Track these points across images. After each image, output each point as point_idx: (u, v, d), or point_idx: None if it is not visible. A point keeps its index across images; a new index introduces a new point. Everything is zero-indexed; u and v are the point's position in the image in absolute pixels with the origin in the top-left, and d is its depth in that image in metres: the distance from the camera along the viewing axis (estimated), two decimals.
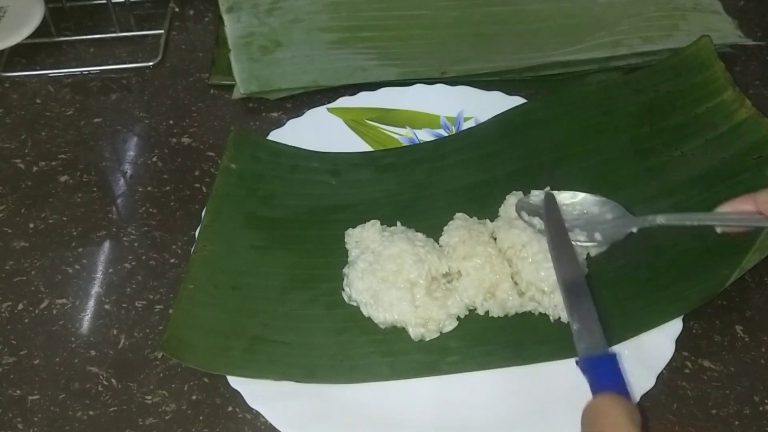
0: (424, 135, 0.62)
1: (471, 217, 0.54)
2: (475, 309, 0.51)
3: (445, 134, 0.62)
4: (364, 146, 0.62)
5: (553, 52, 0.68)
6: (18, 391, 0.49)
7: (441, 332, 0.50)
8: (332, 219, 0.56)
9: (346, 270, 0.53)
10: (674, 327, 0.49)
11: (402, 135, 0.63)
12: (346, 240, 0.54)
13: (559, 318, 0.50)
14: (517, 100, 0.63)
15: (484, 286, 0.50)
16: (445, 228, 0.53)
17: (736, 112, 0.60)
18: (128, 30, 0.74)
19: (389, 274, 0.50)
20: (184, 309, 0.50)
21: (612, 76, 0.67)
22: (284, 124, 0.63)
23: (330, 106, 0.64)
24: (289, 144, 0.61)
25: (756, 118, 0.59)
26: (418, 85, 0.65)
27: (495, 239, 0.53)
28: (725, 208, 0.49)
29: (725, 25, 0.70)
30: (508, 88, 0.64)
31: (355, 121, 0.63)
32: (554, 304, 0.50)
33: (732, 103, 0.60)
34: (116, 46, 0.73)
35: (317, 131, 0.62)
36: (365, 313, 0.51)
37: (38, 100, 0.68)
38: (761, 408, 0.47)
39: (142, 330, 0.52)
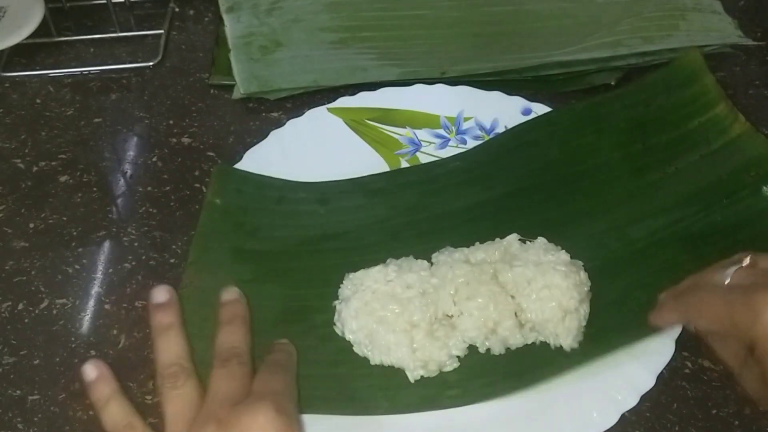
0: (424, 135, 0.62)
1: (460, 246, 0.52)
2: (476, 346, 0.49)
3: (445, 134, 0.62)
4: (364, 146, 0.62)
5: (553, 52, 0.68)
6: (18, 391, 0.49)
7: (441, 371, 0.48)
8: (322, 248, 0.55)
9: (337, 305, 0.51)
10: (674, 327, 0.49)
11: (402, 135, 0.63)
12: (344, 282, 0.51)
13: (560, 346, 0.48)
14: (518, 100, 0.63)
15: (488, 326, 0.48)
16: (434, 257, 0.52)
17: (730, 127, 0.59)
18: (128, 30, 0.74)
19: (389, 314, 0.48)
20: None
21: (612, 75, 0.67)
22: (284, 124, 0.63)
23: (330, 106, 0.64)
24: (290, 144, 0.61)
25: (750, 133, 0.58)
26: (418, 85, 0.65)
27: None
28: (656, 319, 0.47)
29: (725, 25, 0.70)
30: (508, 88, 0.64)
31: (355, 121, 0.63)
32: (555, 334, 0.48)
33: (725, 118, 0.59)
34: (116, 46, 0.73)
35: (317, 131, 0.62)
36: (359, 352, 0.49)
37: (38, 100, 0.68)
38: (761, 408, 0.47)
39: (142, 330, 0.52)
